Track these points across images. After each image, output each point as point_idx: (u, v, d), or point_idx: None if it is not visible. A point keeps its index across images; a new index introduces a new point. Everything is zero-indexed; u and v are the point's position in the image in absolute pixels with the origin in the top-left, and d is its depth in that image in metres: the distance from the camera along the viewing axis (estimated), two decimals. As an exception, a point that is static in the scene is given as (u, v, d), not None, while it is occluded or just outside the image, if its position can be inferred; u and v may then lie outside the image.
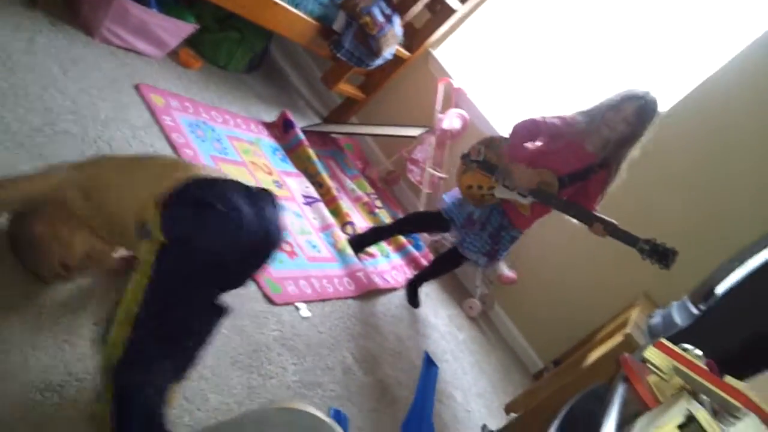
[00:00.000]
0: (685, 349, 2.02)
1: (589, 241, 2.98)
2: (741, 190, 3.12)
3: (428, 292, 3.12)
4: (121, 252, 1.56)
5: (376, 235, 2.91)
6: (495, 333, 3.52)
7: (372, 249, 2.94)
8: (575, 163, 2.51)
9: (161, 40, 2.57)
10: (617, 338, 2.43)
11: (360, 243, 2.84)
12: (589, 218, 2.45)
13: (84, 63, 2.21)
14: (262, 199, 1.42)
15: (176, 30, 2.59)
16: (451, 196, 2.80)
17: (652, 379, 1.52)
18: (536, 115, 2.54)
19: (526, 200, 2.54)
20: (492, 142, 2.67)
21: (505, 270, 3.40)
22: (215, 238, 1.26)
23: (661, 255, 2.32)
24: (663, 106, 3.05)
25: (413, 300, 2.90)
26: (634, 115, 2.37)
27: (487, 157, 2.62)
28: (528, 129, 2.53)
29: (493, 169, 2.59)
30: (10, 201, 1.38)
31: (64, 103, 1.98)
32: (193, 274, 1.27)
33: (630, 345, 2.26)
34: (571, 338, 3.42)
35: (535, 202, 2.55)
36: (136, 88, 2.37)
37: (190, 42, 2.84)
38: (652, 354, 2.01)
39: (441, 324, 3.00)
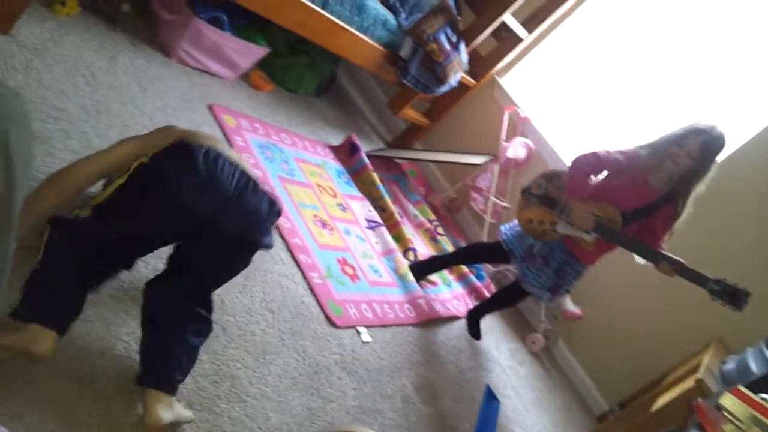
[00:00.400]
0: (764, 399, 1.89)
1: (659, 279, 2.86)
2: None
3: (490, 324, 3.05)
4: None
5: (437, 263, 2.86)
6: (558, 370, 3.40)
7: (434, 277, 2.89)
8: (639, 198, 2.42)
9: (234, 62, 2.62)
10: (688, 383, 2.30)
11: (421, 270, 2.80)
12: (655, 256, 2.34)
13: (161, 82, 2.27)
14: (254, 190, 1.49)
15: (248, 53, 2.64)
16: (510, 227, 2.73)
17: (727, 427, 1.42)
18: (599, 148, 2.47)
19: (589, 236, 2.44)
20: (554, 176, 2.60)
21: (570, 305, 3.29)
22: (180, 179, 1.40)
23: (733, 296, 2.20)
24: (734, 142, 2.98)
25: (474, 331, 2.83)
26: (698, 149, 2.29)
27: (548, 192, 2.55)
28: (590, 163, 2.46)
29: (554, 204, 2.51)
30: (88, 177, 1.48)
31: (142, 120, 2.03)
32: (151, 199, 1.40)
33: (702, 391, 2.14)
34: (638, 380, 3.28)
35: (600, 238, 2.45)
36: (210, 108, 2.41)
37: (262, 65, 2.89)
38: (728, 401, 1.89)
39: (502, 357, 2.92)
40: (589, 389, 3.43)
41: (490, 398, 2.50)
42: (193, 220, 1.41)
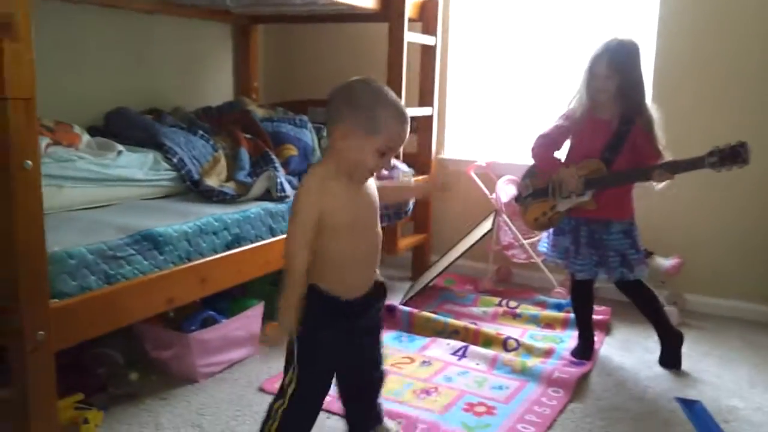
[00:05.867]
0: None
1: (712, 184, 2.82)
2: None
3: (628, 337, 2.91)
4: None
5: (583, 329, 2.76)
6: (707, 320, 3.21)
7: (547, 344, 2.78)
8: (602, 137, 2.49)
9: (247, 336, 2.61)
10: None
11: (585, 350, 2.71)
12: (645, 173, 2.40)
13: (206, 409, 2.22)
14: None
15: (251, 320, 2.64)
16: (543, 244, 2.76)
17: None
18: (541, 130, 2.61)
19: (585, 196, 2.49)
20: (531, 172, 2.70)
21: (664, 261, 3.15)
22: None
23: (733, 156, 2.25)
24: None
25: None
26: (607, 69, 2.39)
27: (534, 186, 2.65)
28: (543, 144, 2.58)
29: (545, 192, 2.60)
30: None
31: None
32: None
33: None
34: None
35: (597, 193, 2.48)
36: (261, 389, 2.36)
37: (268, 316, 2.86)
38: None
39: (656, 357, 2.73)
40: (745, 309, 3.24)
41: (688, 405, 2.29)
42: None
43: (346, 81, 1.62)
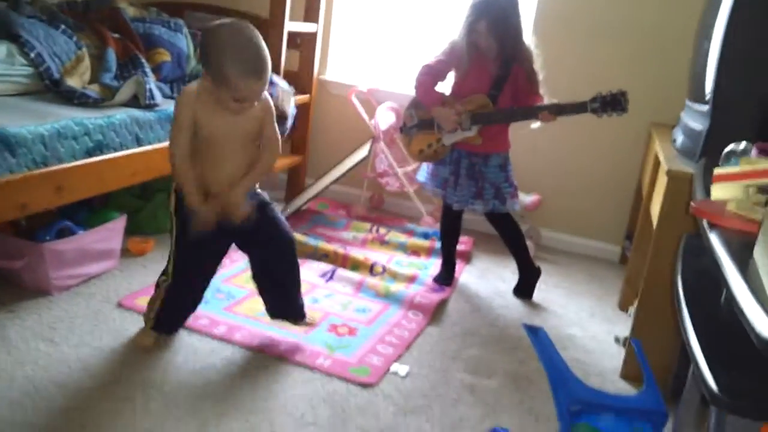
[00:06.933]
0: (731, 152, 1.88)
1: (575, 128, 2.95)
2: None
3: (486, 266, 3.07)
4: None
5: (447, 259, 2.87)
6: (559, 254, 3.45)
7: (411, 271, 2.88)
8: (486, 74, 2.54)
9: (106, 250, 2.50)
10: (662, 179, 2.35)
11: (447, 275, 2.84)
12: (531, 112, 2.49)
13: (62, 323, 2.13)
14: None
15: (111, 232, 2.52)
16: (422, 174, 2.80)
17: (731, 205, 1.39)
18: (425, 60, 2.60)
19: (471, 132, 2.55)
20: (417, 102, 2.71)
21: (525, 199, 3.32)
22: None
23: (614, 103, 2.38)
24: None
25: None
26: (488, 30, 2.43)
27: (420, 117, 2.67)
28: (426, 73, 2.57)
29: (431, 124, 2.62)
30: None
31: (79, 376, 1.91)
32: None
33: (677, 178, 2.17)
34: (624, 207, 3.38)
35: (482, 128, 2.55)
36: (120, 305, 2.29)
37: (131, 230, 2.76)
38: (719, 192, 1.89)
39: (508, 287, 2.92)
40: (593, 247, 3.51)
41: (532, 331, 2.47)
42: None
43: (216, 23, 1.71)
